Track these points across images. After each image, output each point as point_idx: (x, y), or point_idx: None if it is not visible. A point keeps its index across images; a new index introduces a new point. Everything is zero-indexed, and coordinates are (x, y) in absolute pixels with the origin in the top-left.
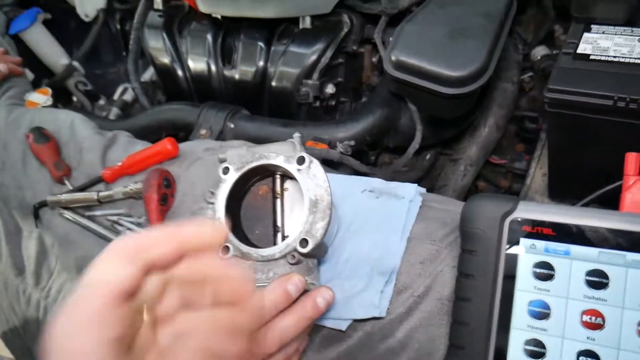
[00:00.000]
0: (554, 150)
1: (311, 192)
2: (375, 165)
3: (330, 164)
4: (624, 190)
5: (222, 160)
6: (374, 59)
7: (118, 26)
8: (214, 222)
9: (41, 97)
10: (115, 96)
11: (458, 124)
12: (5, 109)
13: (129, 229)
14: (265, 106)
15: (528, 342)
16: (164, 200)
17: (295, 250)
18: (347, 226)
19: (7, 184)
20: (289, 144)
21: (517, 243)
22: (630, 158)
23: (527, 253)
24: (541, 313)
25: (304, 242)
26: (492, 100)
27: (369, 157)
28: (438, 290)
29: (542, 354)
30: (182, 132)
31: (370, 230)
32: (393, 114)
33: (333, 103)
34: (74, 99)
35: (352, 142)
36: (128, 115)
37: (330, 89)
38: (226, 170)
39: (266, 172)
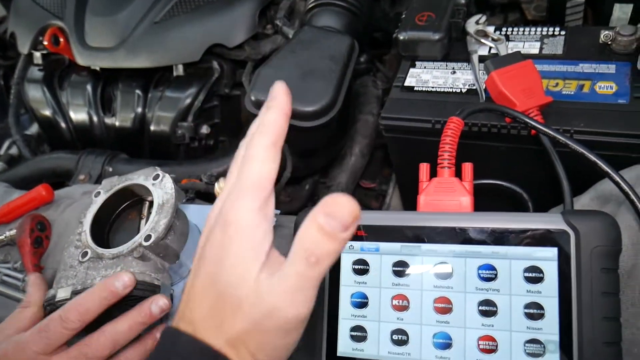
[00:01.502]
0: (397, 169)
1: (160, 198)
2: None
3: (206, 197)
4: (420, 193)
5: (98, 191)
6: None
7: (2, 82)
8: None
9: None
10: (2, 151)
11: (326, 154)
12: None
13: (6, 275)
14: (146, 150)
15: (353, 329)
16: (37, 243)
17: (141, 245)
18: None
19: None
20: (151, 169)
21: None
22: (422, 167)
23: (346, 253)
24: (361, 303)
25: (148, 237)
26: (356, 131)
27: None
28: None
29: (364, 338)
30: (63, 179)
31: None
32: None
33: (211, 142)
34: None
35: (215, 172)
36: None
37: (205, 129)
38: (97, 194)
39: (135, 199)
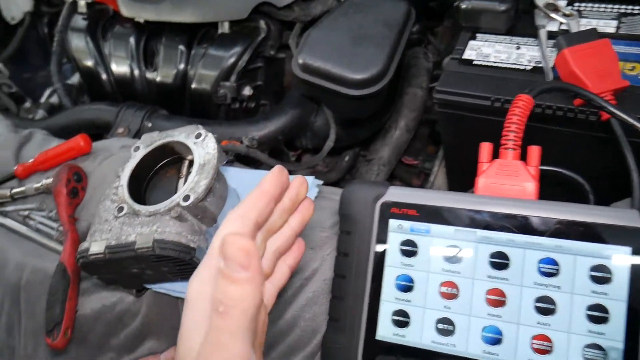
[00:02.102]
0: (447, 148)
1: (201, 158)
2: None
3: (245, 161)
4: (478, 175)
5: (137, 146)
6: None
7: (46, 30)
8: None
9: None
10: (42, 99)
11: (371, 126)
12: None
13: (41, 222)
14: (186, 107)
15: (395, 313)
16: (73, 194)
17: (179, 204)
18: None
19: None
20: (194, 127)
21: (386, 223)
22: (484, 147)
23: (394, 232)
24: (406, 286)
25: (186, 197)
26: (403, 104)
27: (289, 157)
28: (324, 272)
29: (407, 323)
30: (102, 131)
31: None
32: (306, 114)
33: (253, 105)
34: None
35: (257, 136)
36: None
37: (247, 91)
38: (137, 149)
39: (175, 157)
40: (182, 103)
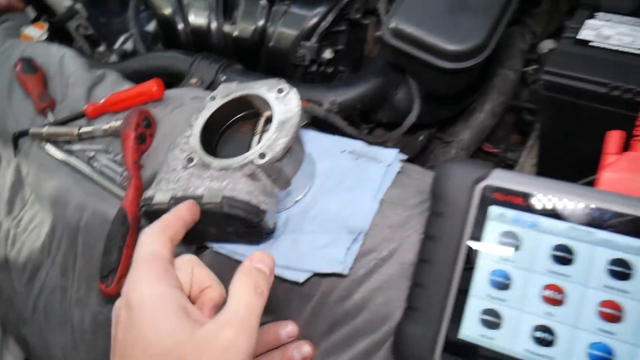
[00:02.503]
0: (546, 136)
1: (282, 115)
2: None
3: (318, 125)
4: (602, 168)
5: (214, 96)
6: (378, 33)
7: None
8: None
9: (37, 32)
10: (116, 45)
11: (454, 105)
12: None
13: (105, 165)
14: (261, 65)
15: (485, 312)
16: (141, 139)
17: (253, 162)
18: (321, 184)
19: None
20: (275, 81)
21: (486, 210)
22: (613, 136)
23: (494, 221)
24: (502, 283)
25: (262, 154)
26: (492, 86)
27: (362, 129)
28: (402, 254)
29: (497, 325)
30: (173, 79)
31: (343, 190)
32: (388, 85)
33: (330, 70)
34: (76, 44)
35: (338, 100)
36: None
37: (328, 54)
38: (212, 98)
39: (251, 112)
40: (257, 60)
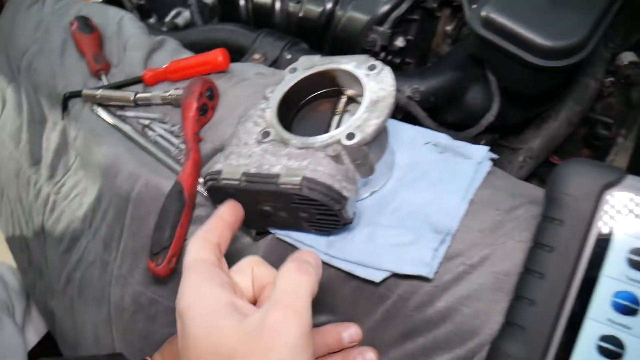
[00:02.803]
0: None
1: (374, 94)
2: None
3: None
4: None
5: (294, 68)
6: (449, 27)
7: None
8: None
9: None
10: (167, 18)
11: (527, 109)
12: None
13: (160, 135)
14: (326, 48)
15: (604, 338)
16: (203, 111)
17: (339, 142)
18: (402, 176)
19: (40, 70)
20: (365, 57)
21: (614, 221)
22: None
23: (624, 235)
24: (627, 307)
25: (350, 135)
26: (570, 93)
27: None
28: (495, 262)
29: (619, 355)
30: (233, 55)
31: (427, 184)
32: (464, 81)
33: (398, 61)
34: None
35: (421, 87)
36: None
37: (400, 42)
38: (293, 70)
39: (333, 89)
40: (322, 42)
